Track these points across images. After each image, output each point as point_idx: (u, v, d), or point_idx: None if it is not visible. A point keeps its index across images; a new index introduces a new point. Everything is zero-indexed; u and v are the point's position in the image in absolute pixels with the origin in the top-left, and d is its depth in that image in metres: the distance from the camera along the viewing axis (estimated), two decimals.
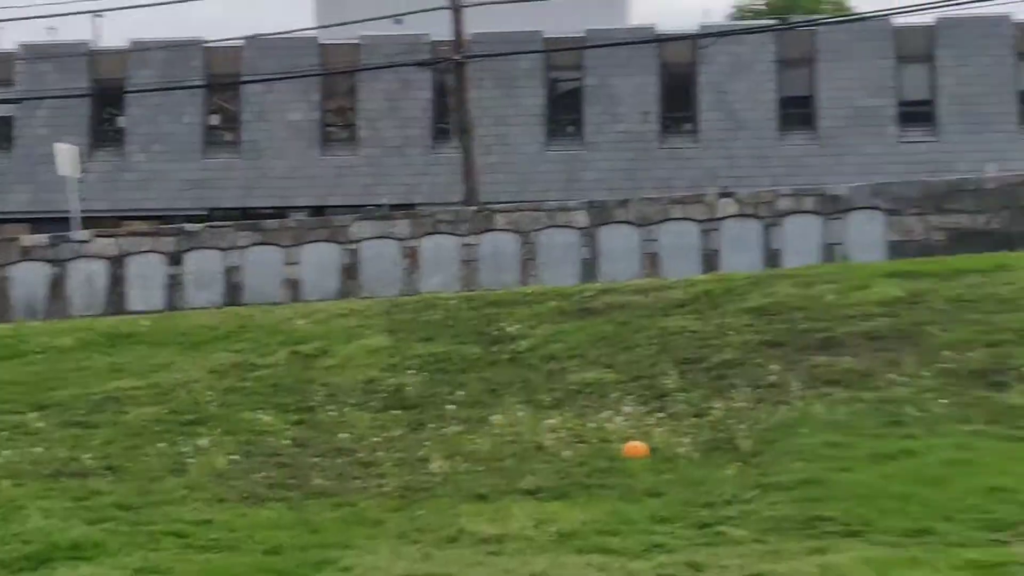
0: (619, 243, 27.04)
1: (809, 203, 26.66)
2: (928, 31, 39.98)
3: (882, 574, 8.05)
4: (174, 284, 26.76)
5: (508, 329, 17.69)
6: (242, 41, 40.60)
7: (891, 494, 10.12)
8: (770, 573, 8.20)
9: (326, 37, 41.68)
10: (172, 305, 25.84)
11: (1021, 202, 25.99)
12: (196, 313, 23.36)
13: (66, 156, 30.57)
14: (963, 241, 24.53)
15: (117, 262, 26.76)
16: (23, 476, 12.35)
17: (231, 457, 12.77)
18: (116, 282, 26.73)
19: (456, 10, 33.07)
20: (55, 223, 30.46)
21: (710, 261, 25.87)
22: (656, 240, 27.05)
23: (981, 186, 27.02)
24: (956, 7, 33.07)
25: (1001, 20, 39.51)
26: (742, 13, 54.51)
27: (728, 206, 27.11)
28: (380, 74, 40.45)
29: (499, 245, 26.68)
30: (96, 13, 43.39)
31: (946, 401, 13.19)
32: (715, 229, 26.76)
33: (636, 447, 12.23)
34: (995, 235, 24.81)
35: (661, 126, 42.19)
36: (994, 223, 25.61)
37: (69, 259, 26.93)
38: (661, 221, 27.14)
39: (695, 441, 12.47)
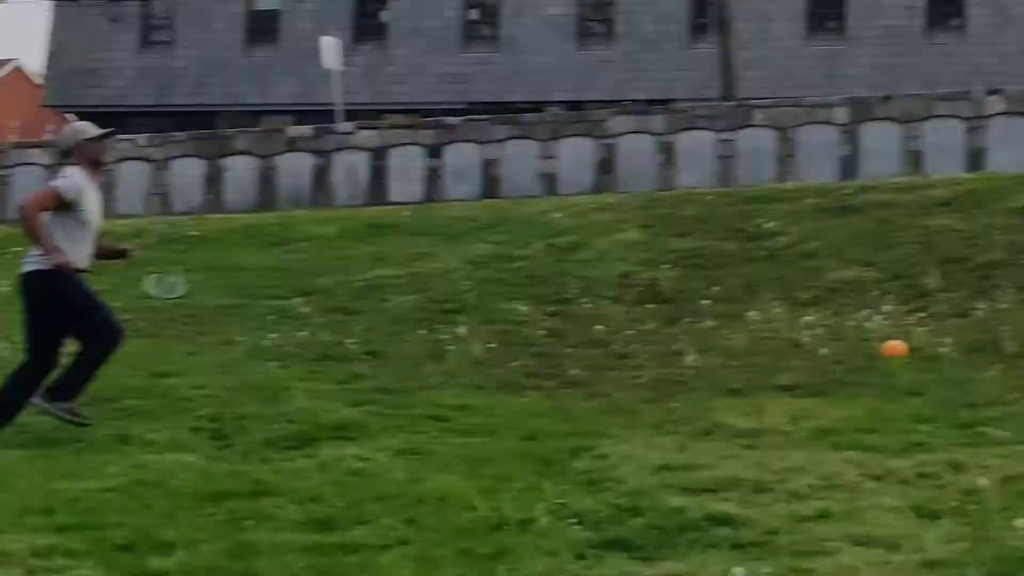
0: (880, 141, 26.51)
1: None
2: None
3: None
4: (432, 176, 27.42)
5: (765, 226, 17.77)
6: None
7: None
8: None
9: None
10: (430, 197, 26.48)
11: None
12: (454, 204, 23.70)
13: (331, 49, 31.36)
14: None
15: (378, 154, 27.47)
16: (289, 359, 12.78)
17: (488, 345, 12.97)
18: (377, 173, 27.46)
19: None
20: (319, 115, 31.25)
21: (975, 160, 25.32)
22: (919, 138, 26.41)
23: None
24: None
25: None
26: None
27: (996, 104, 26.52)
28: None
29: (757, 141, 26.52)
30: None
31: None
32: (981, 127, 26.10)
33: (896, 346, 12.12)
34: None
35: (927, 21, 40.99)
36: None
37: (333, 150, 27.70)
38: (925, 118, 26.58)
39: (957, 341, 12.33)
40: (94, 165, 9.99)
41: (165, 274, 10.65)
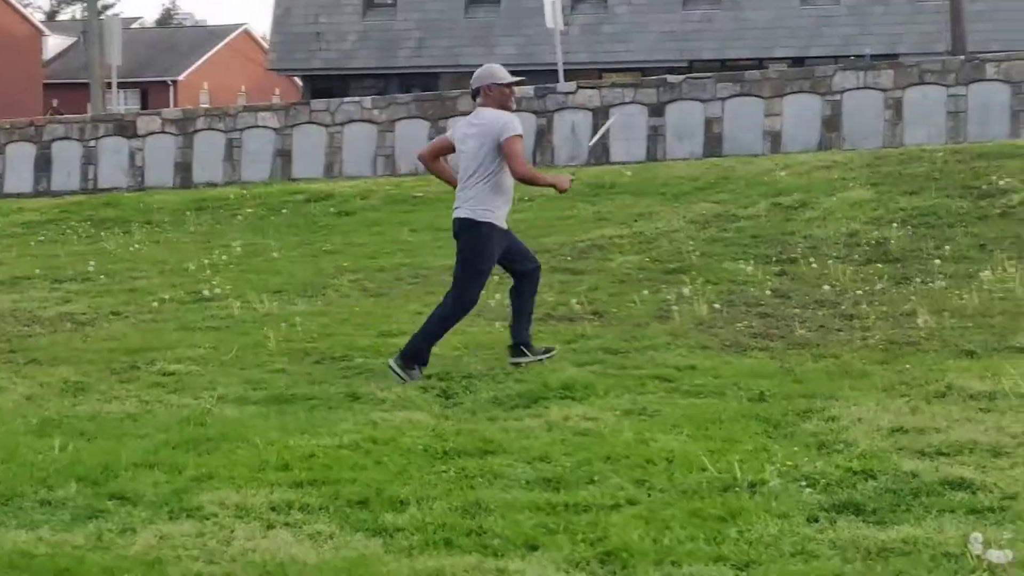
0: None
1: None
2: None
3: None
4: (655, 135, 27.34)
5: (999, 183, 17.36)
6: None
7: None
8: None
9: None
10: (652, 156, 26.45)
11: None
12: (676, 164, 23.43)
13: (553, 8, 31.54)
14: None
15: (600, 113, 27.49)
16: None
17: (713, 306, 12.96)
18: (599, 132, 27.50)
19: None
20: (540, 75, 31.35)
21: None
22: None
23: None
24: None
25: None
26: None
27: None
28: None
29: (988, 96, 25.81)
30: None
31: None
32: None
33: None
34: None
35: None
36: None
37: (554, 110, 27.82)
38: None
39: None
40: (502, 107, 10.66)
41: None
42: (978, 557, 5.55)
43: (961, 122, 25.34)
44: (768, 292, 13.84)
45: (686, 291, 13.66)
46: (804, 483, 6.90)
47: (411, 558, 5.97)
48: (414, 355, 10.53)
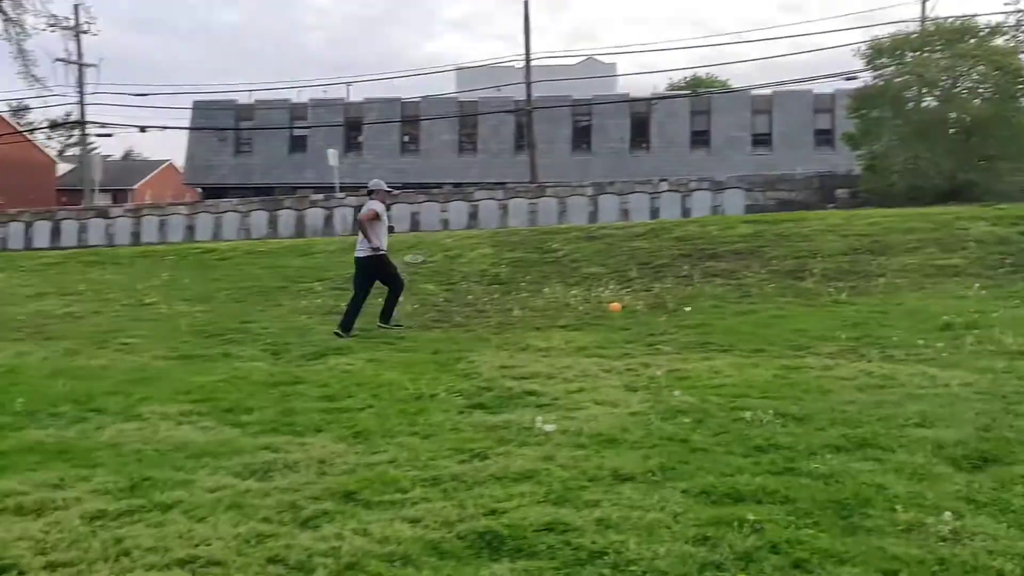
0: (608, 204, 26.25)
1: (706, 185, 26.42)
2: (768, 97, 39.52)
3: (738, 369, 7.63)
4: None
5: (553, 245, 17.66)
6: None
7: (744, 331, 9.85)
8: (682, 367, 7.80)
9: None
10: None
11: (814, 186, 25.91)
12: (396, 235, 23.94)
13: (332, 155, 30.91)
14: (784, 206, 24.45)
15: (357, 209, 27.35)
16: (312, 314, 12.64)
17: (414, 306, 12.67)
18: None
19: None
20: (327, 188, 30.79)
21: (654, 214, 25.42)
22: (628, 203, 26.21)
23: (793, 177, 26.86)
24: (780, 84, 33.44)
25: (807, 92, 38.82)
26: None
27: (663, 185, 27.01)
28: None
29: (547, 204, 26.63)
30: None
31: (772, 286, 13.04)
32: (657, 197, 26.31)
33: (615, 305, 12.07)
34: (799, 203, 24.77)
35: (629, 144, 40.99)
36: (799, 197, 25.55)
37: (335, 207, 27.48)
38: (630, 193, 27.06)
39: (645, 303, 12.29)
40: (382, 201, 11.16)
41: None
42: (539, 428, 5.73)
43: (535, 216, 26.06)
44: (442, 299, 13.73)
45: (401, 298, 13.44)
46: (457, 394, 7.06)
47: (254, 438, 5.89)
48: (346, 326, 10.62)
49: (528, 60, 34.49)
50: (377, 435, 5.83)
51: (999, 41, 24.45)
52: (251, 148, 43.09)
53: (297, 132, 42.68)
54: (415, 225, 26.10)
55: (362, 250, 10.93)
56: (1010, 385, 6.64)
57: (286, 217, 27.76)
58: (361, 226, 10.97)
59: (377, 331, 10.82)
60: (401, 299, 11.57)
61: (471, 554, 3.83)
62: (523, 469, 4.94)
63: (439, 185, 33.69)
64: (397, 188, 30.41)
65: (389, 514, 4.30)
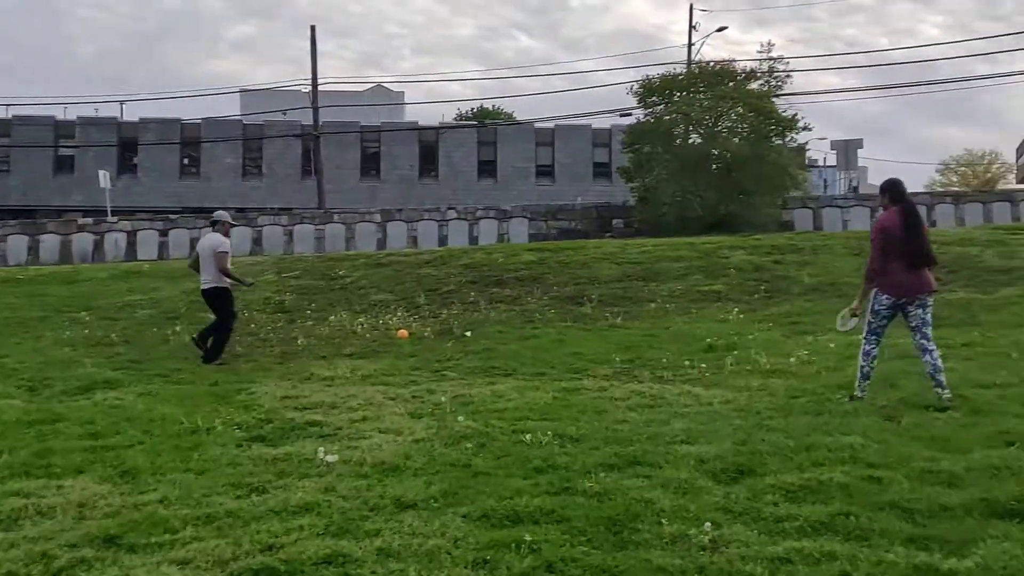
0: (397, 230, 26.81)
1: (492, 213, 27.29)
2: (551, 131, 41.11)
3: (520, 393, 7.70)
4: (163, 245, 25.91)
5: (340, 272, 17.39)
6: None
7: (526, 355, 10.03)
8: (467, 393, 7.86)
9: None
10: (162, 256, 25.00)
11: (593, 216, 27.15)
12: (174, 262, 22.66)
13: (104, 177, 28.89)
14: (565, 234, 25.46)
15: (131, 233, 25.76)
16: (78, 345, 11.87)
17: (192, 336, 11.86)
18: (131, 244, 25.75)
19: None
20: (97, 212, 28.67)
21: (442, 241, 26.04)
22: (416, 229, 26.73)
23: (574, 207, 28.01)
24: (562, 118, 34.83)
25: (587, 126, 40.77)
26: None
27: (451, 213, 27.44)
28: None
29: (335, 230, 26.47)
30: None
31: (554, 311, 13.36)
32: (445, 224, 26.99)
33: (403, 332, 11.99)
34: (579, 232, 25.88)
35: (418, 172, 42.26)
36: (579, 226, 26.69)
37: (105, 231, 25.79)
38: (418, 220, 27.17)
39: (433, 329, 12.29)
40: (226, 231, 11.17)
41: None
42: (321, 460, 5.61)
43: (322, 243, 25.64)
44: None
45: (178, 328, 12.89)
46: (237, 428, 6.82)
47: (1, 483, 5.36)
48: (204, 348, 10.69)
49: (315, 84, 34.04)
50: (146, 473, 5.49)
51: (754, 85, 26.74)
52: (8, 167, 39.69)
53: (63, 151, 39.78)
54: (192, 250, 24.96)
55: (208, 281, 10.92)
56: (763, 402, 7.21)
57: (49, 242, 25.76)
58: (224, 272, 10.88)
59: (189, 343, 11.01)
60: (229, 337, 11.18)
61: None
62: (303, 502, 4.82)
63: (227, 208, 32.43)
64: (177, 212, 29.12)
65: (156, 557, 4.06)
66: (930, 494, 4.65)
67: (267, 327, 13.13)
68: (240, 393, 8.22)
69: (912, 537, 4.12)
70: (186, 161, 40.37)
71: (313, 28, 33.99)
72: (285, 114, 37.39)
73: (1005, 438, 5.69)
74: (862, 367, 7.21)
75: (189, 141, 39.73)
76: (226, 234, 11.20)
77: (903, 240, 6.90)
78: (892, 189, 7.16)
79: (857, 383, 7.22)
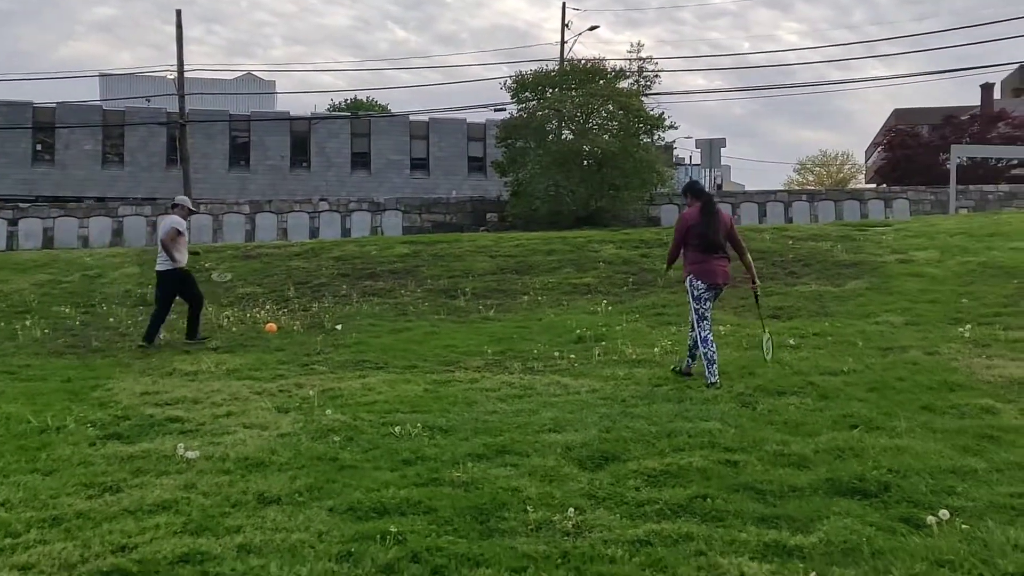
0: (267, 222, 26.19)
1: (366, 205, 26.93)
2: (426, 124, 40.92)
3: (391, 386, 7.69)
4: (12, 236, 24.42)
5: (206, 264, 17.07)
6: None
7: (398, 348, 9.95)
8: (336, 386, 7.75)
9: None
10: (10, 247, 23.56)
11: (467, 209, 27.22)
12: (24, 252, 21.40)
13: None
14: (440, 227, 25.49)
15: None
16: None
17: (44, 331, 11.79)
18: None
19: None
20: None
21: (314, 233, 25.62)
22: (286, 221, 26.13)
23: (449, 200, 28.01)
24: (436, 111, 34.73)
25: (461, 120, 40.72)
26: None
27: (322, 204, 26.96)
28: None
29: (201, 220, 25.65)
30: None
31: (427, 304, 13.35)
32: (316, 216, 26.49)
33: (271, 326, 11.79)
34: (454, 225, 25.93)
35: (290, 162, 41.35)
36: (454, 219, 26.73)
37: None
38: (289, 212, 26.50)
39: (302, 323, 12.10)
40: (184, 214, 11.40)
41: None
42: (181, 456, 5.41)
43: (189, 235, 24.72)
44: (78, 323, 12.63)
45: (28, 323, 12.32)
46: (90, 425, 6.50)
47: None
48: (149, 337, 10.86)
49: (181, 70, 32.70)
50: None
51: (624, 84, 27.35)
52: None
53: None
54: (48, 242, 23.67)
55: (163, 264, 11.14)
56: (628, 390, 7.38)
57: None
58: (164, 245, 11.08)
59: (183, 346, 10.78)
60: (202, 314, 11.55)
61: None
62: (160, 500, 4.63)
63: (79, 199, 30.86)
64: (28, 201, 27.50)
65: None
66: (781, 476, 4.88)
67: (127, 321, 12.66)
68: (96, 390, 7.88)
69: (764, 517, 4.31)
70: (39, 147, 38.14)
71: (179, 12, 32.71)
72: (149, 101, 35.83)
73: (850, 421, 6.03)
74: (706, 354, 7.61)
75: (42, 126, 37.57)
76: (184, 218, 11.43)
77: (702, 230, 7.79)
78: (692, 188, 8.17)
79: (707, 371, 7.56)
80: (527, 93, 27.24)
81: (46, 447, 5.79)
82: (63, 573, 3.71)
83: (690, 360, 8.04)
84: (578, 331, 10.61)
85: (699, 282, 7.75)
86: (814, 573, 3.55)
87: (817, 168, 68.02)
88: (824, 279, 13.92)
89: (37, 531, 4.21)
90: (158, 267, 11.26)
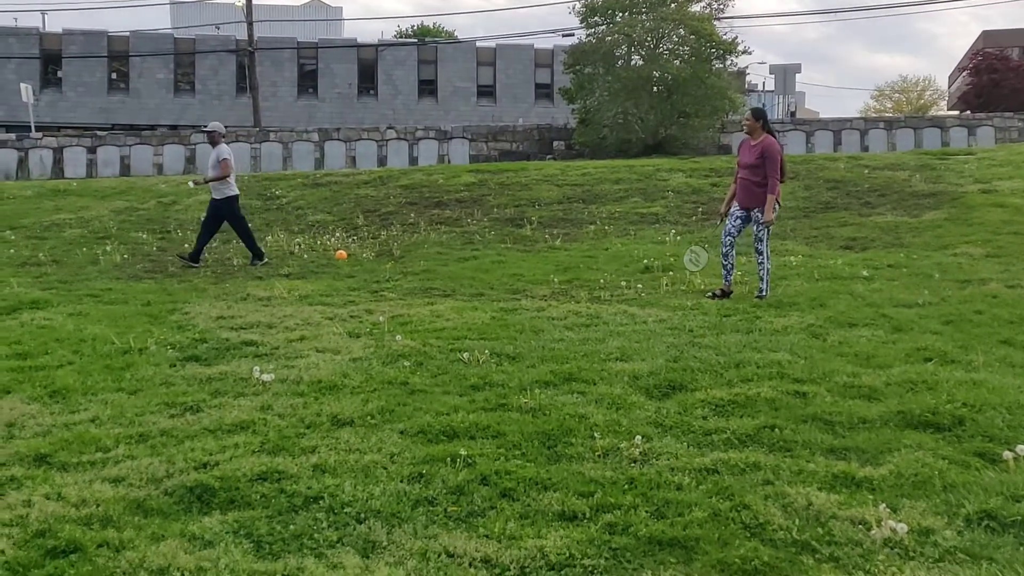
0: (335, 150, 26.13)
1: (432, 134, 26.80)
2: (493, 50, 40.37)
3: (459, 313, 7.73)
4: (91, 163, 25.02)
5: (276, 192, 17.16)
6: None
7: (466, 276, 10.03)
8: (405, 313, 7.86)
9: None
10: (90, 175, 24.16)
11: (534, 137, 26.90)
12: (104, 180, 21.91)
13: (26, 91, 27.56)
14: (506, 156, 25.28)
15: (57, 151, 24.80)
16: (3, 265, 11.50)
17: (123, 256, 12.10)
18: (57, 161, 24.81)
19: None
20: (20, 128, 27.43)
21: (382, 162, 25.69)
22: (355, 149, 26.19)
23: (515, 128, 27.69)
24: (504, 38, 33.98)
25: (528, 46, 40.00)
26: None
27: (390, 133, 26.88)
28: None
29: (271, 148, 25.72)
30: None
31: (494, 233, 13.39)
32: (384, 144, 26.51)
33: (341, 253, 11.94)
34: (520, 154, 25.70)
35: (357, 91, 41.33)
36: (521, 147, 26.47)
37: (29, 148, 24.72)
38: (357, 140, 26.28)
39: (371, 251, 12.24)
40: (213, 143, 11.84)
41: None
42: (257, 378, 5.58)
43: (258, 162, 25.05)
44: (155, 248, 12.96)
45: (108, 248, 12.67)
46: (170, 347, 6.71)
47: None
48: (194, 256, 11.54)
49: None
50: (77, 393, 5.40)
51: (696, 8, 26.54)
52: None
53: None
54: (125, 170, 24.21)
55: (225, 190, 11.62)
56: (696, 321, 7.34)
57: None
58: (226, 172, 11.54)
59: (256, 267, 11.28)
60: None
61: (179, 509, 3.68)
62: (238, 420, 4.80)
63: (152, 127, 31.39)
64: (105, 129, 28.11)
65: (88, 475, 4.02)
66: (850, 407, 4.83)
67: (210, 245, 12.88)
68: (173, 313, 8.07)
69: (832, 448, 4.28)
70: (114, 76, 38.81)
71: None
72: (219, 28, 36.03)
73: (923, 355, 5.91)
74: (769, 270, 8.43)
75: (117, 55, 38.16)
76: (215, 142, 11.85)
77: (783, 158, 8.52)
78: (765, 115, 8.64)
79: (765, 284, 8.33)
80: (596, 17, 26.62)
81: (130, 367, 6.02)
82: (151, 486, 3.89)
83: (764, 287, 8.39)
84: (645, 261, 10.54)
85: (777, 206, 8.46)
86: (884, 504, 3.54)
87: (896, 94, 65.55)
88: (900, 210, 13.53)
89: (125, 447, 4.41)
90: (222, 195, 11.68)
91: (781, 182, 8.47)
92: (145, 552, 3.25)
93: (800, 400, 4.99)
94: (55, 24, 78.46)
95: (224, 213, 11.78)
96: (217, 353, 6.47)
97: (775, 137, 8.58)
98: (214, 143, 11.85)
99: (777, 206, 8.48)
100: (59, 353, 6.47)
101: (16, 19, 39.39)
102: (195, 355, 6.39)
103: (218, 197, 11.75)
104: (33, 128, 26.74)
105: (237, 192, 11.91)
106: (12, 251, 12.62)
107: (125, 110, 37.49)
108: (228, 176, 11.66)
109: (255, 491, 3.82)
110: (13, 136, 25.43)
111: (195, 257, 11.59)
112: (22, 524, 3.50)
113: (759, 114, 8.64)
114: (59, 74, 38.26)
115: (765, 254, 8.38)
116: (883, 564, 3.15)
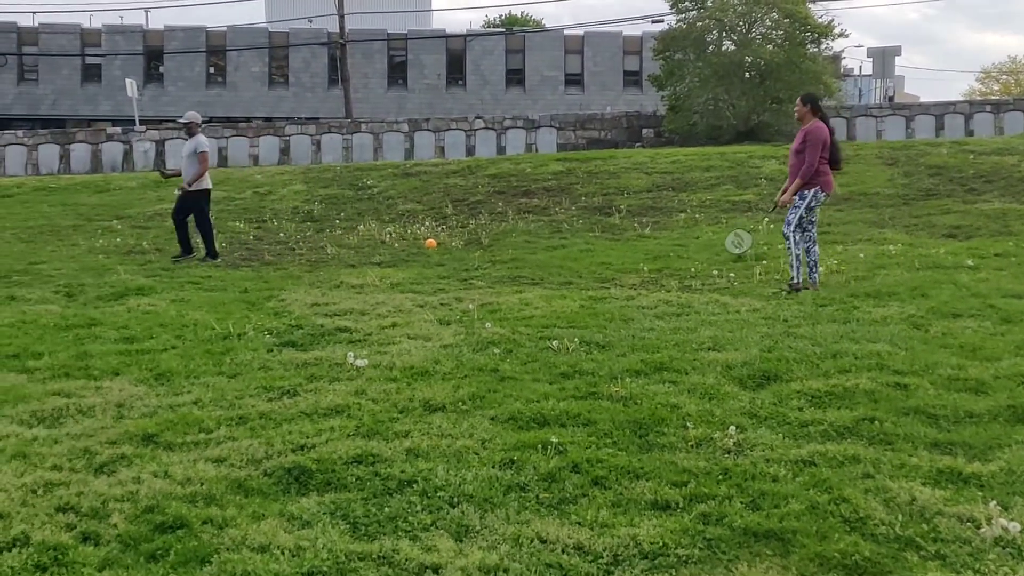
0: (424, 140, 26.35)
1: (520, 123, 26.77)
2: (580, 38, 40.14)
3: (547, 301, 7.76)
4: None
5: (368, 182, 17.50)
6: None
7: (554, 265, 10.06)
8: (494, 301, 7.89)
9: None
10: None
11: (622, 125, 26.65)
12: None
13: (131, 87, 28.62)
14: (594, 144, 25.13)
15: (159, 143, 25.73)
16: (111, 253, 11.96)
17: (222, 245, 12.21)
18: (159, 154, 25.70)
19: None
20: (124, 122, 28.47)
21: (470, 151, 25.81)
22: (444, 138, 26.31)
23: (603, 116, 27.47)
24: (592, 25, 33.78)
25: (617, 33, 39.80)
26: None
27: (477, 123, 26.94)
28: None
29: (362, 139, 26.08)
30: None
31: (582, 221, 13.40)
32: (472, 134, 26.61)
33: (431, 242, 12.09)
34: (608, 142, 25.51)
35: (445, 82, 41.55)
36: (609, 135, 26.28)
37: (135, 141, 25.74)
38: (446, 130, 26.66)
39: (460, 239, 12.39)
40: (191, 133, 11.59)
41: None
42: (351, 364, 5.68)
43: (351, 152, 25.47)
44: (251, 237, 13.31)
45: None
46: (267, 333, 6.88)
47: (43, 384, 5.52)
48: (212, 254, 11.39)
49: None
50: (180, 376, 5.60)
51: None
52: (37, 76, 39.55)
53: (90, 60, 39.52)
54: (223, 161, 24.91)
55: (203, 183, 11.42)
56: (791, 310, 7.18)
57: (80, 151, 25.77)
58: (205, 165, 11.33)
59: (207, 264, 11.08)
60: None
61: (278, 490, 3.78)
62: (333, 404, 4.90)
63: (248, 119, 32.23)
64: (204, 122, 28.99)
65: (192, 455, 4.16)
66: (956, 400, 4.65)
67: (296, 236, 13.25)
68: (270, 300, 8.26)
69: (936, 442, 4.14)
70: (212, 70, 39.98)
71: None
72: (311, 21, 36.74)
73: None
74: (799, 256, 8.17)
75: (215, 50, 39.30)
76: (191, 133, 11.60)
77: (832, 143, 8.25)
78: (816, 100, 8.40)
79: (796, 273, 8.14)
80: (687, 3, 26.23)
81: (229, 352, 6.21)
82: (251, 467, 4.01)
83: (814, 274, 8.28)
84: (737, 249, 10.37)
85: (822, 194, 8.27)
86: (994, 502, 3.40)
87: (1004, 76, 62.72)
88: (1008, 196, 12.96)
89: (226, 428, 4.56)
90: (196, 187, 11.27)
91: (835, 169, 8.30)
92: (247, 530, 3.35)
93: (901, 392, 4.83)
94: (157, 21, 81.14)
95: (191, 205, 11.41)
96: (312, 339, 6.61)
97: (826, 122, 8.30)
98: (191, 133, 11.53)
99: (824, 195, 8.30)
100: (163, 337, 6.71)
101: (122, 17, 40.75)
102: (291, 341, 6.55)
103: (190, 189, 11.42)
104: (137, 122, 27.77)
105: (210, 186, 11.62)
106: (119, 240, 13.08)
107: (222, 103, 38.58)
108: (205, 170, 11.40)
109: (351, 473, 3.90)
110: (119, 130, 26.47)
111: (212, 255, 11.31)
112: (133, 500, 3.65)
113: (808, 99, 8.37)
114: (161, 69, 39.64)
115: (792, 239, 8.19)
116: (994, 564, 3.03)
